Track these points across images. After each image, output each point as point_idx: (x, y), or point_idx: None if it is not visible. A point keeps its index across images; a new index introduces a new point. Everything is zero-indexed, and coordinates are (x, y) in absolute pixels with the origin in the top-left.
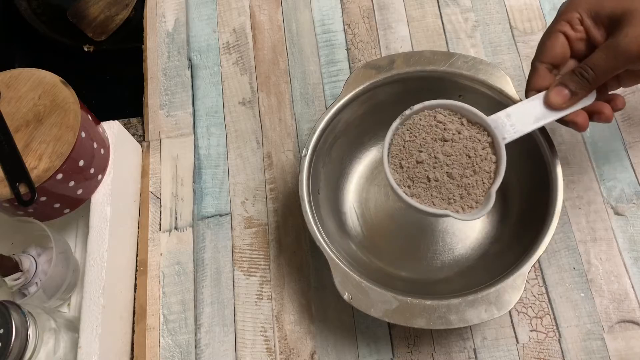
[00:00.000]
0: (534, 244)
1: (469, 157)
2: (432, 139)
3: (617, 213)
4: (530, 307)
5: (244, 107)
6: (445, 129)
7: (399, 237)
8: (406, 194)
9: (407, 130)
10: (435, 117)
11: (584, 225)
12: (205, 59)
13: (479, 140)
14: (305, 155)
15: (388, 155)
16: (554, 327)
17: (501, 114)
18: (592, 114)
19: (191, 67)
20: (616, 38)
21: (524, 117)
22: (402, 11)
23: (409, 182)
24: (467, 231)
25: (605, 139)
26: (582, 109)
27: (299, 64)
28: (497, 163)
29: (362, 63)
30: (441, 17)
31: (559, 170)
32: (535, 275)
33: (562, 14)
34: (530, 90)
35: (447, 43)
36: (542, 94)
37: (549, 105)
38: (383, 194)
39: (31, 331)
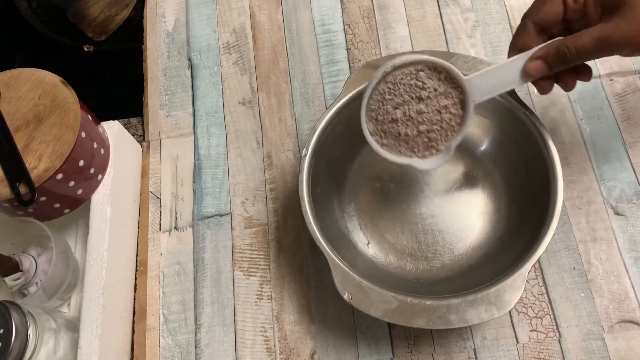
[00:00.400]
0: (534, 244)
1: (440, 113)
2: (409, 97)
3: (617, 213)
4: (530, 307)
5: (244, 107)
6: (423, 87)
7: (399, 237)
8: (377, 142)
9: (388, 87)
10: (416, 74)
11: (584, 225)
12: (205, 59)
13: (452, 96)
14: (305, 155)
15: (366, 107)
16: (554, 327)
17: (477, 76)
18: (557, 79)
19: (191, 67)
20: (606, 27)
21: (497, 80)
22: (402, 11)
23: (381, 134)
24: (467, 231)
25: (605, 139)
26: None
27: (299, 64)
28: (462, 120)
29: (362, 63)
30: (441, 17)
31: (559, 170)
32: (535, 275)
33: None
34: (514, 48)
35: (447, 43)
36: (519, 59)
37: (525, 73)
38: (384, 194)
39: (31, 331)
